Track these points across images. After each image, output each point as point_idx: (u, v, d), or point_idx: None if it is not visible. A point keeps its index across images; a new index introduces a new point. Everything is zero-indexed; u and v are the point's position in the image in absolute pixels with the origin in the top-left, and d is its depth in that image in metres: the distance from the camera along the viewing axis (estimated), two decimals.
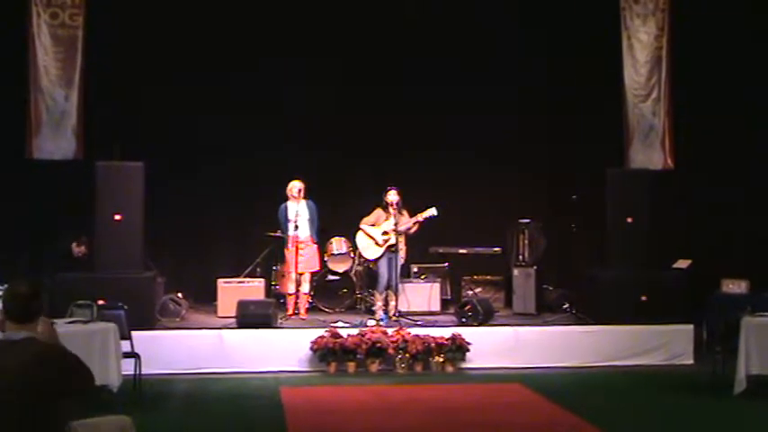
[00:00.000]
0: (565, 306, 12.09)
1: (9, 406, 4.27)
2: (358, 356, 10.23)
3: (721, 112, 12.81)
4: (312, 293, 12.00)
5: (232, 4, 12.82)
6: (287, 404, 8.60)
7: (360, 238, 11.54)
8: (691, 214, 12.88)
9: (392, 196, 11.31)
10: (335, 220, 12.11)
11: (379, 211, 11.41)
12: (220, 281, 11.91)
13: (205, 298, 12.35)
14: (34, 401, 4.31)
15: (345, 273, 12.26)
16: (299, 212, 11.46)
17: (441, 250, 12.84)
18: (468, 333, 10.56)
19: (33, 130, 12.00)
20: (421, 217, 11.30)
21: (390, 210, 11.31)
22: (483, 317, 11.09)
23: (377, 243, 11.38)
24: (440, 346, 10.35)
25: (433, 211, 11.27)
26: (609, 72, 13.02)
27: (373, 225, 11.43)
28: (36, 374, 4.31)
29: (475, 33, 13.13)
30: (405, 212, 11.38)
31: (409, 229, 11.37)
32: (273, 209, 11.65)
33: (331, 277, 12.29)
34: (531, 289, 12.11)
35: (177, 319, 11.41)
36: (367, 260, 11.79)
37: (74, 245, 11.42)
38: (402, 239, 11.36)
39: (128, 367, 8.68)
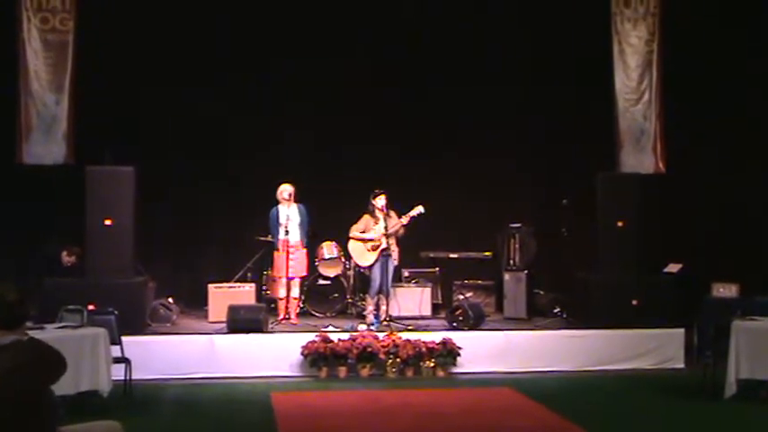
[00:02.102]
0: (556, 310, 12.08)
1: (4, 410, 4.30)
2: (349, 361, 10.22)
3: (712, 116, 12.84)
4: (302, 298, 12.00)
5: (222, 9, 12.81)
6: (278, 409, 8.59)
7: (351, 246, 11.53)
8: (681, 218, 12.90)
9: (380, 201, 11.31)
10: (326, 224, 12.09)
11: (366, 218, 11.39)
12: (211, 286, 11.89)
13: (196, 303, 12.33)
14: (27, 402, 4.35)
15: (336, 277, 12.26)
16: (289, 216, 11.45)
17: (432, 255, 12.84)
18: (459, 337, 10.57)
19: (24, 135, 11.98)
20: (408, 216, 11.29)
21: (378, 214, 11.30)
22: (474, 321, 11.09)
23: (369, 250, 11.37)
24: (431, 351, 10.35)
25: (420, 209, 11.26)
26: (600, 76, 13.04)
27: (363, 232, 11.42)
28: (29, 375, 4.36)
29: (465, 38, 13.15)
30: (393, 214, 11.37)
31: (398, 230, 11.36)
32: (264, 213, 11.64)
33: (322, 282, 12.28)
34: (522, 293, 12.11)
35: (168, 324, 11.38)
36: (362, 267, 11.77)
37: (64, 254, 11.41)
38: (394, 242, 11.37)
39: (118, 372, 8.69)
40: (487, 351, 10.68)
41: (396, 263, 11.51)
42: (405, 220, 11.29)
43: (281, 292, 11.57)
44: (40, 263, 11.37)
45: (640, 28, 12.99)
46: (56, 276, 10.84)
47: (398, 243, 11.48)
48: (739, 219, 13.00)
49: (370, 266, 11.44)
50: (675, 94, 12.99)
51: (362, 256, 11.47)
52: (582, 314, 11.46)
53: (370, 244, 11.34)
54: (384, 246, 11.26)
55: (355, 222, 11.46)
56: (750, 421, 8.23)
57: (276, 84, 12.89)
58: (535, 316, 12.08)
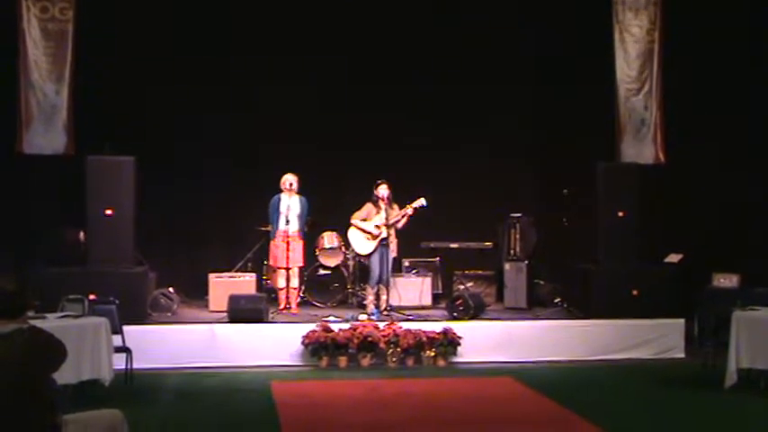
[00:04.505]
0: (556, 300, 12.11)
1: (6, 398, 4.32)
2: (349, 351, 10.24)
3: (713, 106, 12.83)
4: (303, 288, 12.01)
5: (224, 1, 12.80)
6: (278, 398, 8.60)
7: (351, 233, 11.54)
8: (682, 209, 12.89)
9: (382, 190, 11.32)
10: (327, 214, 12.10)
11: (369, 206, 11.41)
12: (212, 275, 11.90)
13: (196, 292, 12.35)
14: (29, 390, 4.38)
15: (337, 267, 12.27)
16: (290, 206, 11.46)
17: (432, 245, 12.82)
18: (459, 327, 10.58)
19: (24, 125, 11.95)
20: (410, 208, 11.29)
21: (381, 204, 11.31)
22: (474, 311, 11.10)
23: (368, 238, 11.38)
24: (431, 341, 10.36)
25: (422, 202, 11.27)
26: (601, 66, 13.01)
27: (364, 220, 11.43)
28: (30, 363, 4.40)
29: (465, 29, 13.14)
30: (395, 206, 11.38)
31: (399, 221, 11.36)
32: (264, 204, 11.64)
33: (322, 272, 12.30)
34: (523, 283, 12.11)
35: (169, 314, 11.39)
36: (359, 255, 11.79)
37: (81, 234, 11.37)
38: (393, 233, 11.37)
39: (119, 362, 8.70)
40: (488, 341, 10.70)
41: (394, 254, 11.51)
42: (409, 211, 11.28)
43: (281, 282, 11.58)
44: (41, 252, 11.37)
45: (641, 17, 12.96)
46: (58, 263, 10.85)
47: (397, 235, 11.49)
48: (740, 209, 12.98)
49: (368, 255, 11.45)
50: (676, 83, 12.96)
51: (361, 243, 11.48)
52: (582, 304, 11.48)
53: (369, 233, 11.35)
54: (384, 236, 11.27)
55: (357, 210, 11.47)
56: (750, 411, 8.22)
57: (279, 74, 12.87)
58: (535, 306, 12.11)
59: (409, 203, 11.30)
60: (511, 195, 13.14)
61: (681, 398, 8.90)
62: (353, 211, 11.50)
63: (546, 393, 8.84)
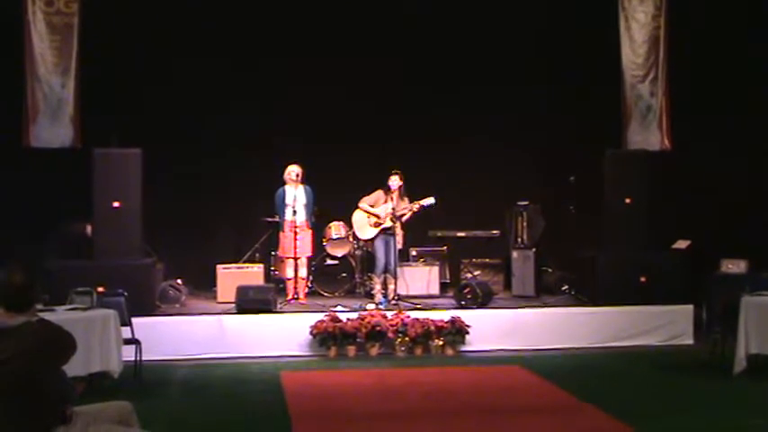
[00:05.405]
0: (564, 288, 12.11)
1: (16, 390, 4.34)
2: (358, 340, 10.26)
3: (719, 93, 12.78)
4: (311, 278, 12.03)
5: None
6: (287, 389, 8.62)
7: (356, 216, 11.60)
8: (689, 195, 12.86)
9: (393, 181, 11.33)
10: (335, 204, 12.10)
11: (380, 193, 11.45)
12: (220, 266, 11.93)
13: (204, 284, 12.37)
14: (39, 383, 4.39)
15: (344, 257, 12.28)
16: (296, 197, 11.48)
17: (439, 233, 12.84)
18: (467, 316, 10.59)
19: (30, 119, 11.96)
20: (417, 204, 11.30)
21: (391, 193, 11.32)
22: (482, 299, 11.11)
23: (371, 224, 11.42)
24: (439, 329, 10.38)
25: (431, 200, 11.28)
26: (606, 52, 12.97)
27: (372, 206, 11.46)
28: (40, 355, 4.41)
29: (471, 16, 13.11)
30: (406, 198, 11.41)
31: (405, 214, 11.38)
32: (272, 194, 11.65)
33: (330, 262, 12.31)
34: (530, 271, 12.12)
35: (177, 306, 11.43)
36: (360, 239, 11.82)
37: (89, 226, 11.41)
38: (398, 224, 11.38)
39: (128, 354, 8.72)
40: (496, 329, 10.71)
41: (399, 246, 11.53)
42: (415, 207, 11.29)
43: (289, 273, 11.60)
44: (50, 245, 11.40)
45: (647, 3, 12.90)
46: (68, 255, 10.88)
47: (403, 227, 11.50)
48: (747, 195, 12.95)
49: (369, 241, 11.53)
50: (682, 69, 12.91)
51: (363, 228, 11.55)
52: (590, 291, 11.48)
53: (373, 219, 11.38)
54: (387, 225, 11.29)
55: (368, 195, 11.49)
56: (760, 396, 8.22)
57: (286, 64, 12.84)
58: (543, 294, 12.11)
59: (418, 200, 11.30)
60: (517, 183, 13.12)
61: (690, 384, 8.90)
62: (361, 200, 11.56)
63: (554, 381, 8.84)
